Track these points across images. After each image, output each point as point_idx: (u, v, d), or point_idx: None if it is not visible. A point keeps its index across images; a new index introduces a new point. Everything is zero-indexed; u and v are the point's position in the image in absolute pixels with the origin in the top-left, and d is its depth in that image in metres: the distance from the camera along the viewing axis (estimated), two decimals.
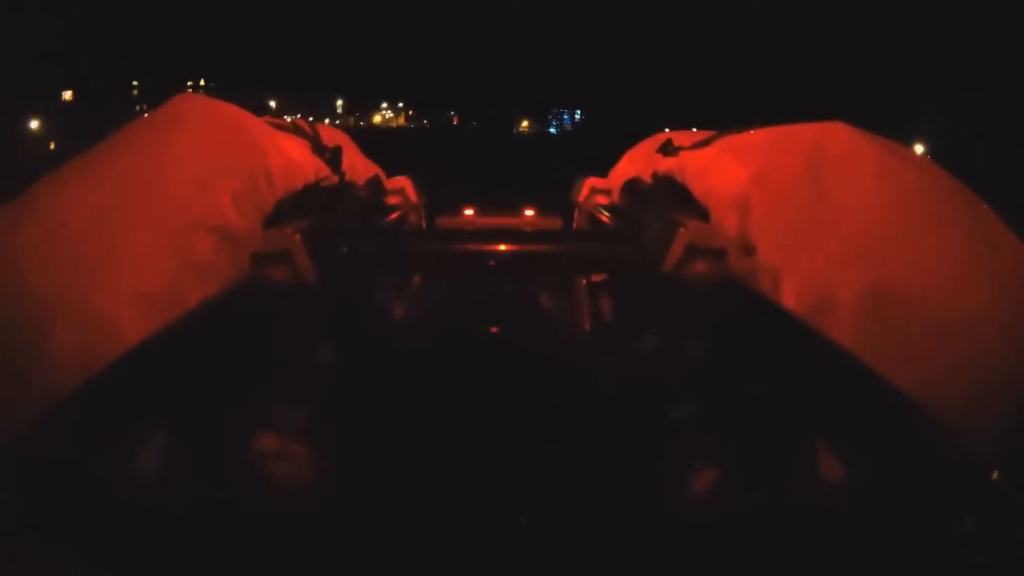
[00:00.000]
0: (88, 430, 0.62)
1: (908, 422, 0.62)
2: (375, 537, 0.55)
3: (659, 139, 1.27)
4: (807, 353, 0.72)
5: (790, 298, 0.77)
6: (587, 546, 0.54)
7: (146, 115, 0.91)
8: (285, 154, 0.97)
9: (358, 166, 1.31)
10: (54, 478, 0.57)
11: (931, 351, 0.67)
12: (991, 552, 0.53)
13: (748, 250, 0.84)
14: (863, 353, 0.67)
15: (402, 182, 1.48)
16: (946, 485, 0.58)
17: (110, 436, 0.62)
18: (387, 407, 0.71)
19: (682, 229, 0.81)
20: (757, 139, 0.97)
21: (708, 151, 1.05)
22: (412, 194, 1.48)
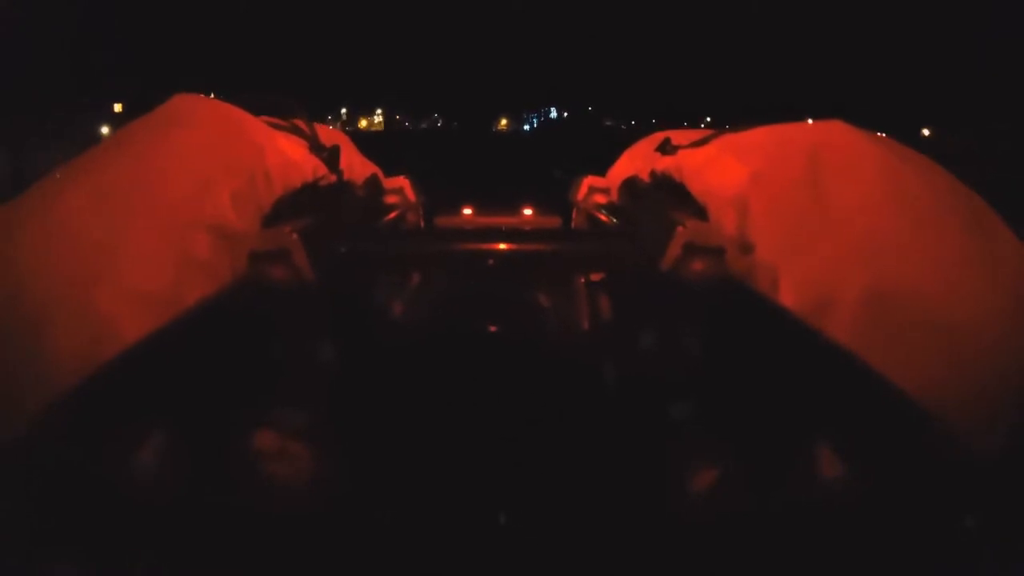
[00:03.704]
0: (88, 430, 0.62)
1: (908, 422, 0.62)
2: (375, 536, 0.55)
3: (657, 138, 1.27)
4: (806, 353, 0.72)
5: (789, 297, 0.77)
6: (586, 545, 0.54)
7: (145, 115, 0.91)
8: (283, 153, 0.97)
9: (356, 165, 1.31)
10: (54, 478, 0.57)
11: (931, 351, 0.67)
12: (991, 552, 0.53)
13: (746, 249, 0.84)
14: (863, 353, 0.67)
15: (400, 182, 1.48)
16: (946, 485, 0.58)
17: (109, 436, 0.61)
18: (386, 407, 0.71)
19: (680, 228, 0.81)
20: (756, 138, 0.97)
21: (706, 150, 1.05)
22: (410, 193, 1.48)
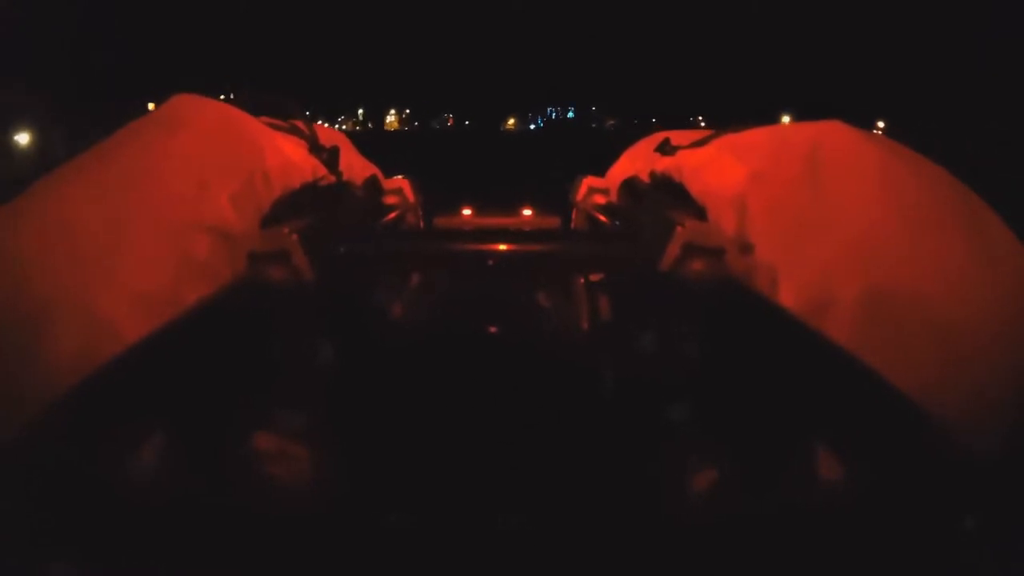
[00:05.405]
0: (87, 430, 0.62)
1: (908, 422, 0.62)
2: (373, 536, 0.55)
3: (657, 138, 1.27)
4: (806, 353, 0.72)
5: (788, 297, 0.77)
6: (583, 545, 0.54)
7: (144, 115, 0.91)
8: (283, 154, 0.97)
9: (355, 166, 1.31)
10: (53, 478, 0.57)
11: (931, 351, 0.67)
12: (991, 552, 0.53)
13: (746, 249, 0.84)
14: (862, 353, 0.67)
15: (400, 182, 1.48)
16: (946, 485, 0.58)
17: (109, 436, 0.61)
18: (385, 407, 0.71)
19: (679, 228, 0.81)
20: (755, 138, 0.97)
21: (706, 150, 1.05)
22: (410, 194, 1.48)
